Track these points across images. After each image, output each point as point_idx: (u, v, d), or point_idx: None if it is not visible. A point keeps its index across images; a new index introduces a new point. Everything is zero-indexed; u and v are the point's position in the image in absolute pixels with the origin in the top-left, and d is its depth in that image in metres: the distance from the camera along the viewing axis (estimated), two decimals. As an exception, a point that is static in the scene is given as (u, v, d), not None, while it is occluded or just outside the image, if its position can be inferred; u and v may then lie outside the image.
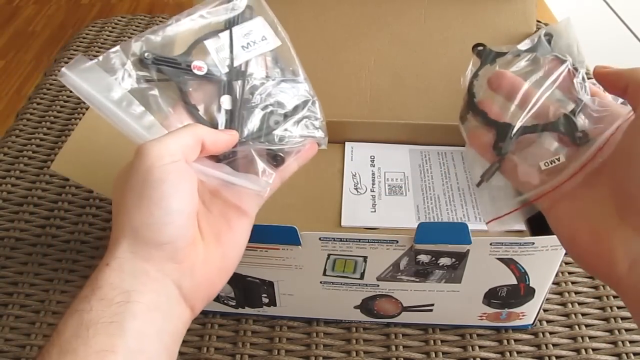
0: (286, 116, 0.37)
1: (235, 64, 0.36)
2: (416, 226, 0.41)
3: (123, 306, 0.28)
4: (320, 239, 0.42)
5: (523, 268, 0.44)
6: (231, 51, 0.36)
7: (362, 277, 0.45)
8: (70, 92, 0.78)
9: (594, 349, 0.49)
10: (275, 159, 0.37)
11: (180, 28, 0.36)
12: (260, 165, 0.35)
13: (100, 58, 0.34)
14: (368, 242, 0.42)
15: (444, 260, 0.43)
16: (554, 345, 0.49)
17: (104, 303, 0.28)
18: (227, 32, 0.37)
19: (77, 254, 0.58)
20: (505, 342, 0.50)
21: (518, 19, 0.54)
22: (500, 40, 0.53)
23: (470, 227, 0.40)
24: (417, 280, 0.45)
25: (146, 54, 0.34)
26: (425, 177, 0.52)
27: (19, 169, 0.67)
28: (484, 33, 0.54)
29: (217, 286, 0.34)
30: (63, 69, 0.32)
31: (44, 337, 0.51)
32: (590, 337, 0.50)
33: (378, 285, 0.46)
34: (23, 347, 0.51)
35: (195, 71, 0.35)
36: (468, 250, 0.42)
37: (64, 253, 0.58)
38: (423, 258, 0.43)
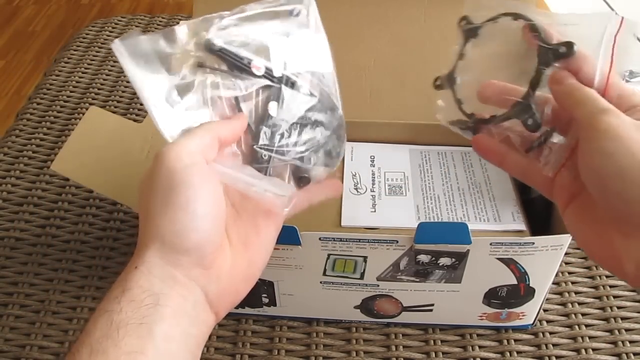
0: (319, 140, 0.37)
1: (288, 72, 0.35)
2: (416, 226, 0.41)
3: (152, 309, 0.28)
4: (320, 239, 0.42)
5: (523, 268, 0.44)
6: (285, 59, 0.35)
7: (362, 277, 0.45)
8: (71, 92, 0.78)
9: (594, 349, 0.49)
10: (301, 179, 0.36)
11: (244, 23, 0.35)
12: (289, 176, 0.35)
13: (161, 33, 0.32)
14: (368, 242, 0.42)
15: (444, 260, 0.43)
16: (554, 345, 0.49)
17: (133, 305, 0.28)
18: (287, 39, 0.35)
19: (77, 254, 0.58)
20: (505, 342, 0.50)
21: (518, 19, 0.54)
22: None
23: (470, 227, 0.40)
24: (417, 280, 0.45)
25: (215, 40, 0.33)
26: (425, 177, 0.52)
27: (19, 169, 0.67)
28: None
29: (241, 293, 0.34)
30: (115, 40, 0.31)
31: (44, 337, 0.51)
32: (590, 337, 0.50)
33: (378, 285, 0.46)
34: (23, 347, 0.51)
35: (254, 70, 0.34)
36: (468, 250, 0.42)
37: (64, 253, 0.58)
38: (423, 258, 0.43)
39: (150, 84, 0.32)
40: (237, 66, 0.34)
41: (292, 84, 0.35)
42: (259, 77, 0.34)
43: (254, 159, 0.35)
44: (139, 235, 0.31)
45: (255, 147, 0.35)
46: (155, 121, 0.32)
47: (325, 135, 0.37)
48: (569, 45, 0.32)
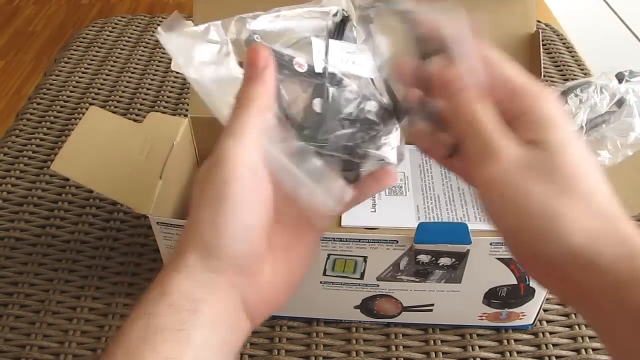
0: (372, 136, 0.36)
1: (332, 70, 0.34)
2: (416, 226, 0.41)
3: (192, 315, 0.28)
4: (320, 238, 0.42)
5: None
6: (327, 57, 0.34)
7: (362, 277, 0.45)
8: (71, 92, 0.78)
9: (594, 349, 0.49)
10: (352, 175, 0.35)
11: (283, 20, 0.34)
12: (338, 178, 0.34)
13: (202, 27, 0.32)
14: (368, 242, 0.42)
15: (444, 260, 0.43)
16: (554, 345, 0.49)
17: (172, 309, 0.27)
18: (331, 39, 0.34)
19: (77, 254, 0.58)
20: (505, 342, 0.50)
21: (518, 19, 0.54)
22: (501, 40, 0.53)
23: (470, 227, 0.40)
24: (417, 280, 0.45)
25: (256, 36, 0.32)
26: (425, 177, 0.52)
27: (19, 169, 0.67)
28: (484, 33, 0.54)
29: (280, 301, 0.33)
30: (159, 29, 0.30)
31: (44, 337, 0.51)
32: (590, 337, 0.50)
33: (378, 285, 0.46)
34: (23, 347, 0.51)
35: (297, 67, 0.33)
36: (468, 250, 0.42)
37: (64, 253, 0.58)
38: (423, 258, 0.43)
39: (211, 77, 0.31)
40: (280, 64, 0.33)
41: (337, 82, 0.34)
42: (302, 74, 0.33)
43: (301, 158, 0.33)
44: (182, 236, 0.31)
45: (300, 143, 0.33)
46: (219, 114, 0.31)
47: (376, 129, 0.36)
48: (443, 39, 0.29)
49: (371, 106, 0.35)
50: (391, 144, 0.37)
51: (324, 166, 0.33)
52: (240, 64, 0.32)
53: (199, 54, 0.31)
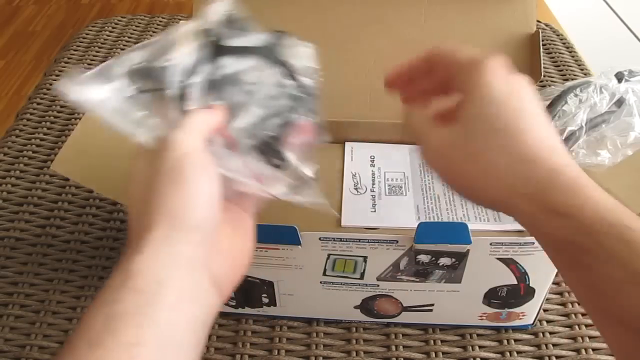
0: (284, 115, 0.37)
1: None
2: (416, 226, 0.41)
3: (155, 296, 0.28)
4: (320, 239, 0.42)
5: (523, 268, 0.44)
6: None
7: (362, 277, 0.45)
8: (70, 92, 0.78)
9: (594, 349, 0.49)
10: (275, 155, 0.36)
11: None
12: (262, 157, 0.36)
13: (95, 70, 0.34)
14: (368, 242, 0.42)
15: (444, 260, 0.43)
16: (554, 345, 0.49)
17: (134, 294, 0.27)
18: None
19: (77, 254, 0.58)
20: (505, 342, 0.50)
21: (518, 19, 0.54)
22: (501, 40, 0.53)
23: (470, 227, 0.40)
24: (417, 280, 0.45)
25: (141, 64, 0.34)
26: (425, 177, 0.52)
27: (19, 169, 0.67)
28: (484, 33, 0.54)
29: (240, 272, 0.34)
30: (55, 85, 0.32)
31: (44, 337, 0.51)
32: (590, 337, 0.50)
33: (378, 285, 0.46)
34: (23, 347, 0.51)
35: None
36: (468, 250, 0.42)
37: (64, 253, 0.58)
38: (423, 258, 0.43)
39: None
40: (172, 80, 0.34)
41: (233, 81, 0.35)
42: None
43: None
44: (135, 224, 0.31)
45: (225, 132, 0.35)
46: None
47: (283, 105, 0.37)
48: None
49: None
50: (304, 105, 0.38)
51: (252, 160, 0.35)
52: (140, 91, 0.34)
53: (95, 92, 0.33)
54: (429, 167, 0.34)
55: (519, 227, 0.44)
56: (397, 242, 0.42)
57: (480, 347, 0.49)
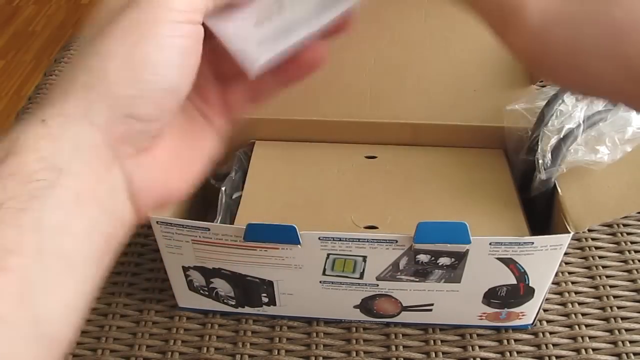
0: None
1: None
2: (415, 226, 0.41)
3: (47, 189, 0.20)
4: (319, 238, 0.42)
5: (523, 268, 0.44)
6: None
7: (361, 276, 0.45)
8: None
9: (594, 349, 0.49)
10: None
11: None
12: None
13: None
14: (367, 241, 0.42)
15: (444, 260, 0.43)
16: (554, 345, 0.49)
17: (19, 178, 0.20)
18: None
19: (77, 254, 0.58)
20: (505, 342, 0.50)
21: (518, 19, 0.54)
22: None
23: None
24: (417, 280, 0.45)
25: None
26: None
27: (18, 168, 0.67)
28: (485, 33, 0.54)
29: (171, 190, 0.27)
30: None
31: (44, 336, 0.51)
32: (590, 337, 0.50)
33: (377, 285, 0.46)
34: None
35: None
36: (467, 250, 0.42)
37: (63, 253, 0.58)
38: (422, 258, 0.43)
39: None
40: None
41: None
42: None
43: None
44: (62, 77, 0.24)
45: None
46: None
47: None
48: None
49: None
50: None
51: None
52: None
53: None
54: None
55: (518, 226, 0.44)
56: (397, 241, 0.42)
57: (480, 347, 0.49)
